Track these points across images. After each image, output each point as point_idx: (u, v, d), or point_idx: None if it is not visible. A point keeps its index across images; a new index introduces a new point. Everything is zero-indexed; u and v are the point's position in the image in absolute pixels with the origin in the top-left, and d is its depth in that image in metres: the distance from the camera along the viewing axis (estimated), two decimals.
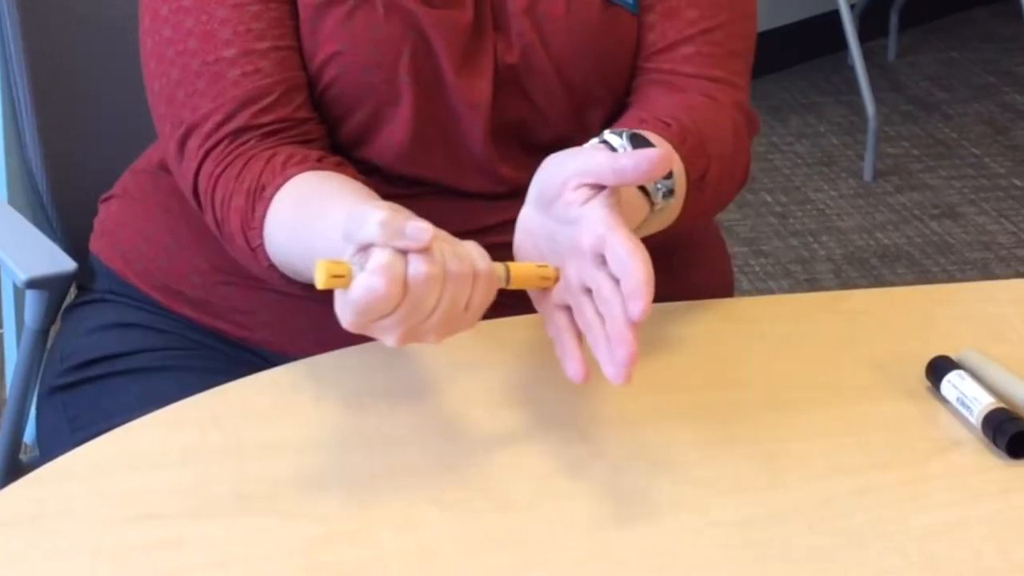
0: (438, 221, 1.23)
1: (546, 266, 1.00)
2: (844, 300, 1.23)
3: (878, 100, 3.33)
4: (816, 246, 2.96)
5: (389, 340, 0.94)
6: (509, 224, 1.25)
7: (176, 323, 1.31)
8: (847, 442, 1.03)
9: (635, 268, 0.92)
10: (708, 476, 0.99)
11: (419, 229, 0.92)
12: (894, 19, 3.87)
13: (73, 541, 0.92)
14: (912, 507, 0.97)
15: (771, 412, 1.06)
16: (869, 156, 3.25)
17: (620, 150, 1.05)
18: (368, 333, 0.94)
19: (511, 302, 1.25)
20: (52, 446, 1.32)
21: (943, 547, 0.93)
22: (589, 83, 1.24)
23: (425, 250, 0.93)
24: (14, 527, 0.93)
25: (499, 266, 0.98)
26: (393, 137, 1.22)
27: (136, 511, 0.94)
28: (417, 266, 0.92)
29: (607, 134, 1.08)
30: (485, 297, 0.96)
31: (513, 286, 0.99)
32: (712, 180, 1.19)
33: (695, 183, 1.16)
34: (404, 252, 0.92)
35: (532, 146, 1.25)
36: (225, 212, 1.16)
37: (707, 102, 1.23)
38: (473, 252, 0.96)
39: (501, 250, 1.25)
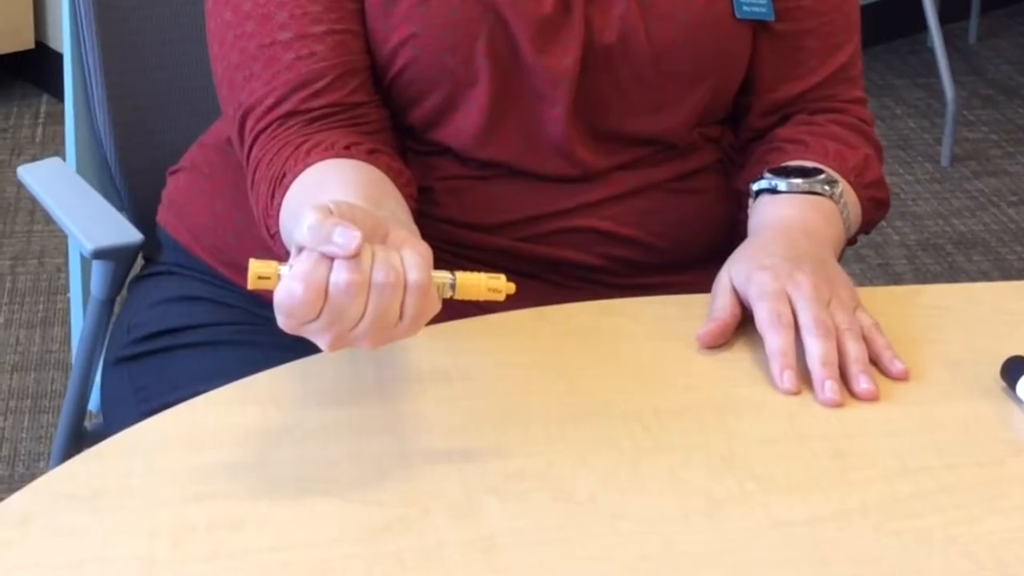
0: (511, 204, 1.23)
1: (498, 278, 0.97)
2: (921, 295, 1.21)
3: (957, 84, 3.27)
4: (890, 231, 2.92)
5: (321, 343, 0.93)
6: (582, 208, 1.25)
7: (242, 298, 1.30)
8: (918, 441, 1.01)
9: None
10: (773, 473, 0.97)
11: (347, 235, 0.90)
12: (975, 1, 3.80)
13: (132, 518, 0.91)
14: (984, 510, 0.95)
15: (840, 408, 1.03)
16: (947, 140, 3.20)
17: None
18: (300, 334, 0.93)
19: (574, 284, 1.24)
20: (117, 415, 1.33)
21: (1016, 553, 0.91)
22: (686, 78, 1.23)
23: (353, 257, 0.91)
24: (74, 502, 0.93)
25: (444, 275, 0.95)
26: (468, 119, 1.21)
27: (196, 490, 0.94)
28: (339, 274, 0.90)
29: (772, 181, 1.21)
30: (420, 308, 0.92)
31: (460, 296, 0.96)
32: (860, 181, 1.26)
33: (854, 170, 1.25)
34: (332, 257, 0.91)
35: (611, 134, 1.24)
36: (255, 198, 1.16)
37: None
38: (408, 261, 0.92)
39: (573, 235, 1.24)
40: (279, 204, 1.12)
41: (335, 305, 0.91)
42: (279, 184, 1.13)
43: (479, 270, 0.98)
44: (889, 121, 3.39)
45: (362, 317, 0.91)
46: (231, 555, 0.89)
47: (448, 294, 0.96)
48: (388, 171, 1.14)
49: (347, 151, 1.14)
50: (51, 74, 3.20)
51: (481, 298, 0.97)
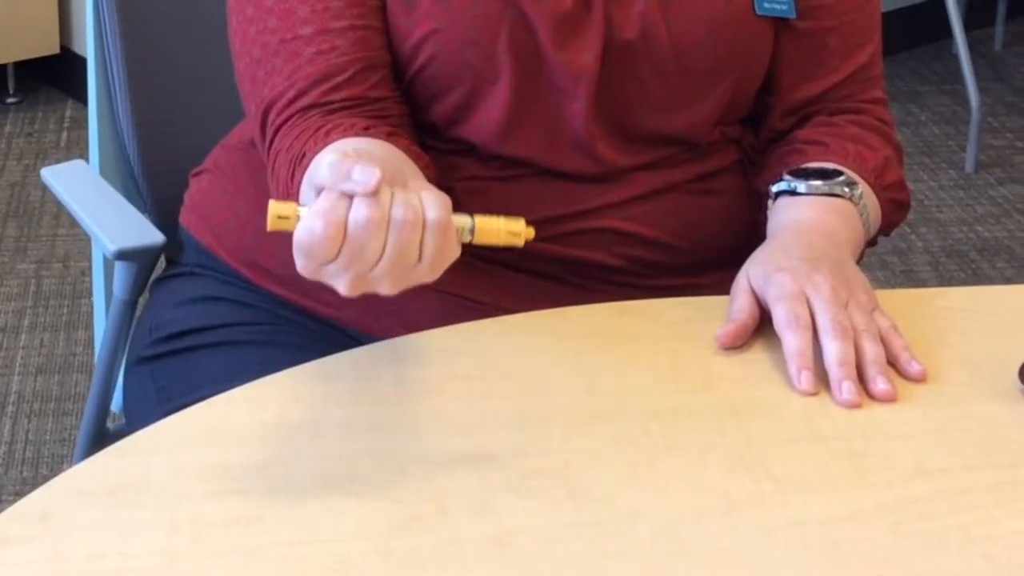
0: (533, 204, 1.24)
1: (518, 221, 0.96)
2: (942, 297, 1.21)
3: (982, 90, 3.26)
4: (914, 237, 2.91)
5: (339, 286, 0.93)
6: (604, 209, 1.25)
7: (264, 299, 1.31)
8: (936, 442, 1.01)
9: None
10: (790, 473, 0.97)
11: (366, 173, 0.91)
12: (1001, 8, 3.79)
13: (152, 514, 0.92)
14: (1001, 512, 0.95)
15: (857, 409, 1.03)
16: (971, 147, 3.20)
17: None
18: (319, 278, 0.93)
19: (593, 286, 1.24)
20: (140, 415, 1.33)
21: None
22: (707, 75, 1.23)
23: (372, 195, 0.91)
24: (94, 498, 0.93)
25: (464, 219, 0.95)
26: (490, 114, 1.21)
27: (216, 487, 0.95)
28: (358, 211, 0.91)
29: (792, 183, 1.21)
30: (439, 248, 0.92)
31: (479, 241, 0.96)
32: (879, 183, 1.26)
33: (874, 172, 1.25)
34: (352, 196, 0.91)
35: (632, 131, 1.24)
36: (275, 183, 1.17)
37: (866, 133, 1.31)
38: (427, 200, 0.93)
39: (594, 235, 1.25)
40: (299, 182, 1.13)
41: (355, 243, 0.91)
42: (299, 164, 1.14)
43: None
44: (914, 127, 3.38)
45: (381, 256, 0.92)
46: (249, 550, 0.89)
47: (467, 238, 0.95)
48: (407, 153, 1.15)
49: (367, 131, 1.14)
50: (76, 79, 3.22)
51: (500, 243, 0.96)
